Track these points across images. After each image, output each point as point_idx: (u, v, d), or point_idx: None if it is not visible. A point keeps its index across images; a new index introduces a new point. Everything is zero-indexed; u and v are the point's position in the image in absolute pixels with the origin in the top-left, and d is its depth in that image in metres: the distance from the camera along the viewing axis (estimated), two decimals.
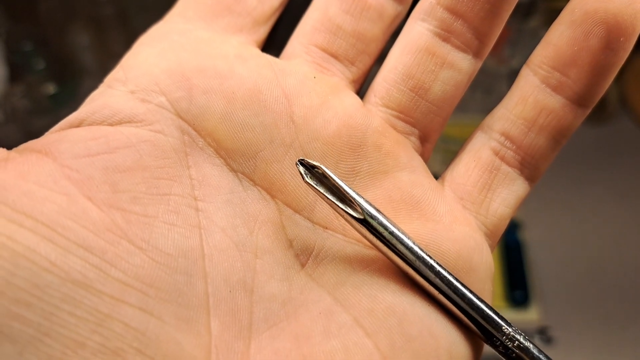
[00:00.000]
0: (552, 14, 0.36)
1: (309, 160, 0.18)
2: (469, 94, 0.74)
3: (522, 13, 0.69)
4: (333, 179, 0.18)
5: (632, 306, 0.63)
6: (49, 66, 0.66)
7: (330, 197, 0.18)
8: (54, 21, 0.66)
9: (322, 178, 0.18)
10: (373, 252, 0.18)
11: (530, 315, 0.62)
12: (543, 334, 0.62)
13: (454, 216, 0.19)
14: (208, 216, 0.17)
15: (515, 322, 0.63)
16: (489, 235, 0.20)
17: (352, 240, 0.19)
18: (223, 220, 0.18)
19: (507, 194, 0.20)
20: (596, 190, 0.71)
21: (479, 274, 0.19)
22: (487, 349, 0.18)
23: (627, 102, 0.76)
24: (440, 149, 0.69)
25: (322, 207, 0.19)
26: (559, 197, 0.71)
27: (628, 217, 0.69)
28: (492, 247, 0.20)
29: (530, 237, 0.67)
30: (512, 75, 0.39)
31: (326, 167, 0.18)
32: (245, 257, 0.17)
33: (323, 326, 0.17)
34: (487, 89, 0.74)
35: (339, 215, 0.19)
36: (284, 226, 0.18)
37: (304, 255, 0.18)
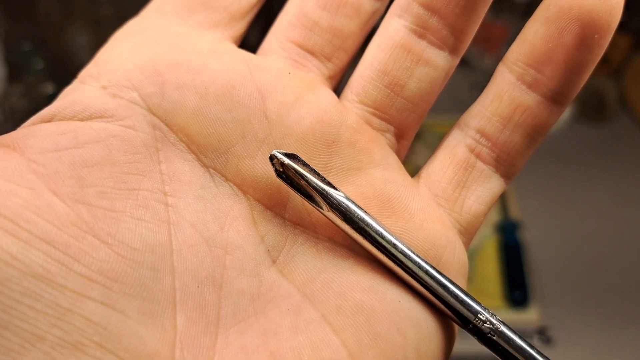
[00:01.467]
0: None
1: (281, 151, 0.18)
2: (467, 94, 0.73)
3: (521, 13, 0.68)
4: (308, 167, 0.18)
5: (632, 306, 0.63)
6: (48, 66, 0.66)
7: (309, 178, 0.18)
8: (53, 21, 0.67)
9: (294, 175, 0.18)
10: (344, 250, 0.18)
11: (530, 316, 0.62)
12: (542, 334, 0.61)
13: (427, 214, 0.19)
14: (178, 211, 0.17)
15: (514, 322, 0.63)
16: (463, 233, 0.20)
17: (323, 238, 0.19)
18: (193, 216, 0.18)
19: (482, 191, 0.20)
20: (596, 190, 0.71)
21: (451, 272, 0.19)
22: (479, 347, 0.18)
23: (627, 102, 0.75)
24: None
25: (294, 204, 0.19)
26: (559, 197, 0.71)
27: (628, 217, 0.69)
28: (466, 245, 0.20)
29: (530, 237, 0.67)
30: None
31: (300, 157, 0.18)
32: (215, 253, 0.17)
33: (291, 322, 0.17)
34: None
35: (310, 212, 0.19)
36: (256, 222, 0.18)
37: (275, 251, 0.18)
